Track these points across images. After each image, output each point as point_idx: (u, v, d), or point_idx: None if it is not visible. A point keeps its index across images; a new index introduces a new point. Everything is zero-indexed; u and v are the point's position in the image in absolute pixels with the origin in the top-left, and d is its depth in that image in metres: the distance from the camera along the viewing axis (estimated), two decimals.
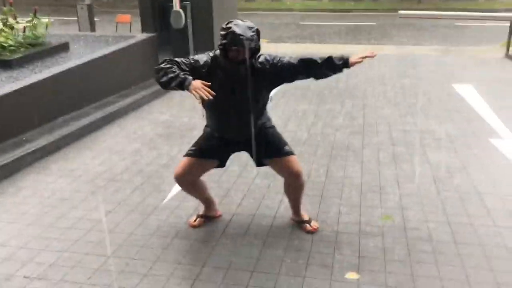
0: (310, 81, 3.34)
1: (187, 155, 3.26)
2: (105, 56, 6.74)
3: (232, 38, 2.81)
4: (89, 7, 10.78)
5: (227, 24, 2.87)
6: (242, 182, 4.30)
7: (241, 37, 2.80)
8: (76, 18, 11.29)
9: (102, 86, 6.65)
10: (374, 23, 15.84)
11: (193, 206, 3.82)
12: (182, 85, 2.75)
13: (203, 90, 2.71)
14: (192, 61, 2.99)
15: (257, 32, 2.91)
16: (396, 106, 6.70)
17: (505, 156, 4.88)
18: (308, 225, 3.47)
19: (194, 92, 2.71)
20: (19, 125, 5.15)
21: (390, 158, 4.84)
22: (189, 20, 8.41)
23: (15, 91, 5.11)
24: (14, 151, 4.70)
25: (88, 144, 5.36)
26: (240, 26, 2.84)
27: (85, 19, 10.67)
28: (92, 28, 10.70)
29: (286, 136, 3.53)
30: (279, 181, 4.21)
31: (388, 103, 6.88)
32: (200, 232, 3.48)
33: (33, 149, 4.81)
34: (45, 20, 7.15)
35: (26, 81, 5.42)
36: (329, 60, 3.02)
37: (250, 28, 2.86)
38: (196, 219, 3.59)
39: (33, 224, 3.61)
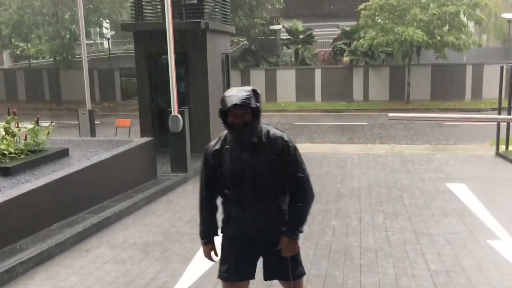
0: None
1: (223, 278, 3.05)
2: (103, 161, 6.87)
3: (223, 101, 2.74)
4: (90, 112, 11.17)
5: None
6: None
7: (231, 97, 2.72)
8: (76, 122, 11.66)
9: (98, 191, 6.70)
10: (366, 123, 16.39)
11: None
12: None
13: (207, 256, 3.10)
14: (206, 160, 2.97)
15: (254, 92, 2.79)
16: (392, 207, 6.72)
17: (504, 258, 4.81)
18: None
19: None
20: (13, 233, 5.10)
21: (388, 261, 4.76)
22: (186, 124, 8.69)
23: (11, 199, 5.13)
24: (5, 261, 4.61)
25: (80, 252, 5.27)
26: (233, 89, 2.82)
27: (86, 124, 10.99)
28: (92, 133, 11.00)
29: None
30: None
31: (382, 203, 6.91)
32: None
33: (25, 258, 4.71)
34: (46, 125, 7.38)
35: (22, 188, 5.47)
36: (296, 215, 2.93)
37: (244, 90, 2.78)
38: None
39: None
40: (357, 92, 22.90)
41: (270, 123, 2.91)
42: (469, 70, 22.01)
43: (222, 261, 3.06)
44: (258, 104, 2.78)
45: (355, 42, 21.56)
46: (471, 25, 21.97)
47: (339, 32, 24.45)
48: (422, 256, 4.90)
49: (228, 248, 3.04)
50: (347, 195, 7.43)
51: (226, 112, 2.76)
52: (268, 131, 2.88)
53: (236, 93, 2.74)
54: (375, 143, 12.69)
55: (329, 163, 9.72)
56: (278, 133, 2.89)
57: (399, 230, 5.73)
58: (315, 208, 6.74)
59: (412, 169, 9.23)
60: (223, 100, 2.74)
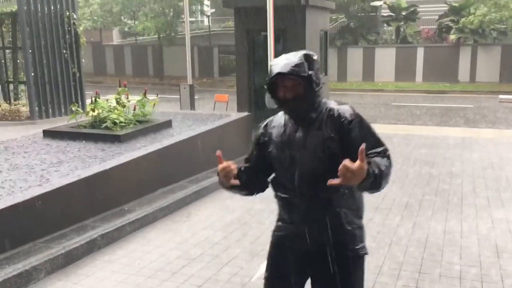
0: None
1: (263, 285, 2.49)
2: (203, 133, 7.17)
3: (269, 70, 2.23)
4: (191, 87, 11.66)
5: None
6: None
7: (276, 65, 2.18)
8: (178, 96, 12.25)
9: (198, 161, 7.02)
10: (472, 105, 15.35)
11: None
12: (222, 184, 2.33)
13: (222, 171, 2.22)
14: (255, 137, 2.47)
15: (306, 57, 2.19)
16: (498, 196, 6.28)
17: None
18: None
19: (223, 180, 2.28)
20: (122, 195, 5.54)
21: (491, 252, 4.48)
22: None
23: (122, 164, 5.56)
24: (116, 220, 5.03)
25: (181, 217, 5.59)
26: (282, 56, 2.26)
27: (187, 98, 11.51)
28: (192, 106, 11.50)
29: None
30: None
31: (485, 191, 6.48)
32: None
33: (133, 219, 5.12)
34: (152, 98, 7.84)
35: (132, 155, 5.90)
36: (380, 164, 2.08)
37: (294, 55, 2.21)
38: None
39: None
40: (463, 73, 21.48)
41: (338, 100, 2.34)
42: None
43: (267, 264, 2.48)
44: (311, 72, 2.17)
45: (463, 19, 20.13)
46: None
47: (446, 8, 22.95)
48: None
49: (273, 253, 2.46)
50: (447, 180, 7.06)
51: (273, 84, 2.22)
52: (330, 107, 2.26)
53: (283, 60, 2.19)
54: (481, 127, 11.85)
55: (429, 146, 9.27)
56: (343, 106, 2.27)
57: (498, 222, 5.36)
58: (409, 191, 6.50)
59: None
60: (269, 70, 2.23)
